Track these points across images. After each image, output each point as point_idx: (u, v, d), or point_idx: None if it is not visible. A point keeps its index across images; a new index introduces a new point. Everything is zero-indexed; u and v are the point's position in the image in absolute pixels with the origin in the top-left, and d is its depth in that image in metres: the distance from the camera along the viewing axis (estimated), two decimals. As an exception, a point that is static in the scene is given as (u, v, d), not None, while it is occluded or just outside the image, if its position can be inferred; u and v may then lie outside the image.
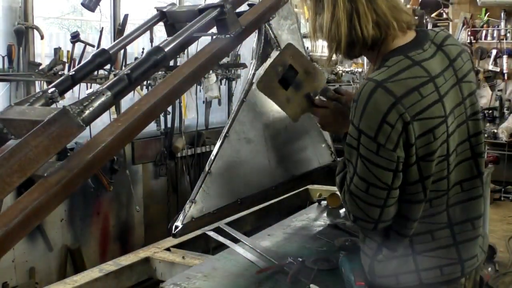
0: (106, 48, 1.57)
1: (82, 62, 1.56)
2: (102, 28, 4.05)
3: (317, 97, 1.80)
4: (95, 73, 3.44)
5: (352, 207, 1.46)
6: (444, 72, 1.44)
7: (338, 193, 2.82)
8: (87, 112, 1.18)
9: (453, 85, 1.45)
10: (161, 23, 1.71)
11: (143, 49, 4.20)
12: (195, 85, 4.38)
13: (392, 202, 1.42)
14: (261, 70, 1.99)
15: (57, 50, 3.71)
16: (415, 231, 1.45)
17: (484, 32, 6.90)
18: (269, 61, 1.96)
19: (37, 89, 3.58)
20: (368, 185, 1.40)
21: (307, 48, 2.36)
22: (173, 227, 1.83)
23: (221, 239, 2.23)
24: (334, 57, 1.52)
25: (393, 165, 1.36)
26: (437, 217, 1.46)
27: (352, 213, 1.47)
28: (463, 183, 1.49)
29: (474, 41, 6.90)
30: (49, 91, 1.41)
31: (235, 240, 2.17)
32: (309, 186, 2.92)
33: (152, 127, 4.46)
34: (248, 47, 3.70)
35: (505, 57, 6.69)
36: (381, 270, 1.50)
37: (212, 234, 2.28)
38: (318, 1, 1.50)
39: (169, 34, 1.66)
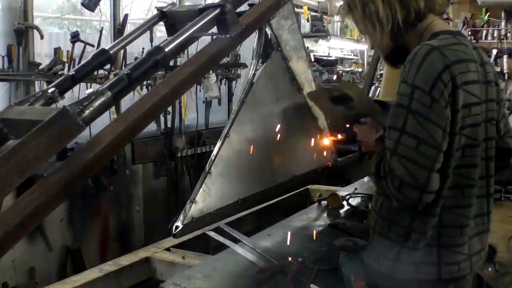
0: (106, 48, 1.58)
1: (82, 62, 1.56)
2: (102, 28, 4.04)
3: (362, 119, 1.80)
4: (95, 73, 3.43)
5: (399, 171, 1.38)
6: (479, 66, 1.52)
7: (338, 193, 2.85)
8: (87, 112, 1.18)
9: (483, 82, 1.52)
10: (161, 23, 1.71)
11: (143, 49, 4.20)
12: (195, 85, 4.37)
13: (438, 167, 1.39)
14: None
15: (57, 50, 3.69)
16: (445, 223, 1.46)
17: (484, 32, 6.90)
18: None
19: (37, 89, 3.56)
20: (418, 142, 1.37)
21: (307, 47, 2.39)
22: (174, 227, 1.83)
23: (221, 239, 2.23)
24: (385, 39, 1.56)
25: (444, 123, 1.38)
26: (466, 210, 1.48)
27: (399, 177, 1.38)
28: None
29: (474, 41, 6.89)
30: (49, 91, 1.41)
31: (235, 240, 2.17)
32: (309, 186, 2.93)
33: (152, 127, 4.44)
34: (248, 47, 3.70)
35: (505, 57, 6.70)
36: (408, 258, 1.48)
37: (212, 234, 2.28)
38: None
39: (169, 34, 1.66)
